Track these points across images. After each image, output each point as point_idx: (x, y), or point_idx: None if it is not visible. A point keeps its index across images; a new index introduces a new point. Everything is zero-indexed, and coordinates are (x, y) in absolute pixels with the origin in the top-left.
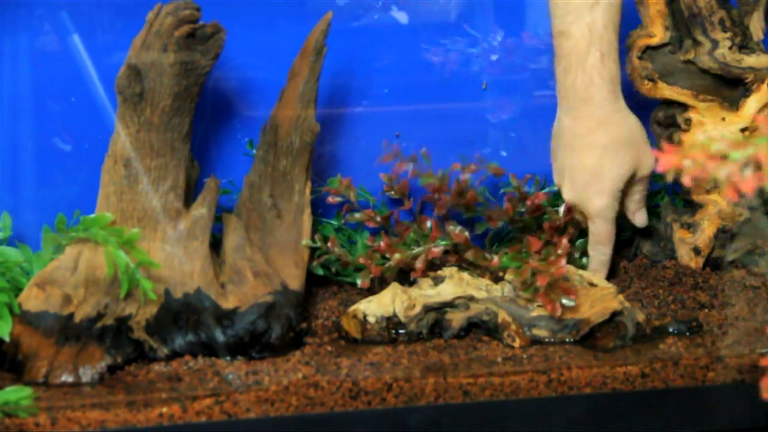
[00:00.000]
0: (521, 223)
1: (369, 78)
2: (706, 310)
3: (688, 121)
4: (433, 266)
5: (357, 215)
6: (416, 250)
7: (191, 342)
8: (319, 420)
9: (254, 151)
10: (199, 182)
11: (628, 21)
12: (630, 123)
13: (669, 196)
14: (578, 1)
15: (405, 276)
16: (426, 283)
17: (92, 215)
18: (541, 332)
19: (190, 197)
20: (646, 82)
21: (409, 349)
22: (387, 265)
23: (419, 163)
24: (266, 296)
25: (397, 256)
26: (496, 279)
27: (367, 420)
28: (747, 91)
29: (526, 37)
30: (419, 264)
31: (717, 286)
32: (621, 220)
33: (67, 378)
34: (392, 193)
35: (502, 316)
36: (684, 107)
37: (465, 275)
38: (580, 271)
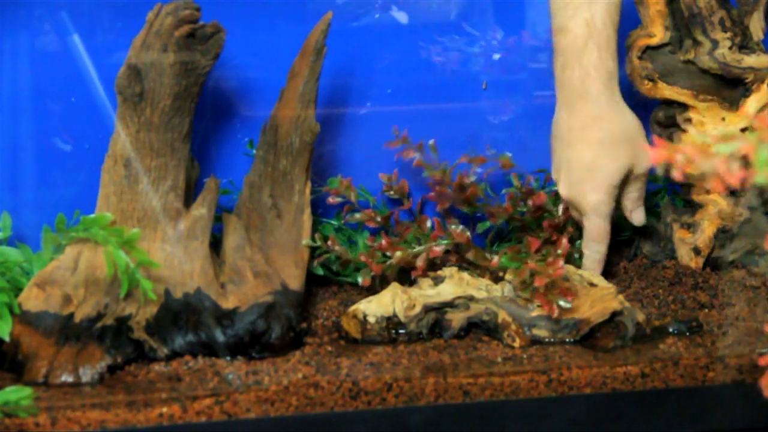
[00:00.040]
0: (521, 221)
1: (369, 78)
2: (706, 310)
3: (688, 121)
4: (433, 266)
5: (357, 215)
6: (418, 248)
7: (191, 342)
8: (319, 420)
9: (254, 151)
10: (199, 182)
11: (628, 21)
12: (627, 119)
13: (669, 196)
14: None
15: (405, 276)
16: (426, 283)
17: (92, 215)
18: (541, 332)
19: (190, 197)
20: (646, 82)
21: (409, 349)
22: (388, 263)
23: (426, 154)
24: (266, 296)
25: (398, 254)
26: (496, 279)
27: (367, 420)
28: (747, 91)
29: (527, 36)
30: (420, 263)
31: (717, 286)
32: (621, 221)
33: (67, 378)
34: (391, 193)
35: (502, 316)
36: (684, 107)
37: (465, 275)
38: (580, 271)
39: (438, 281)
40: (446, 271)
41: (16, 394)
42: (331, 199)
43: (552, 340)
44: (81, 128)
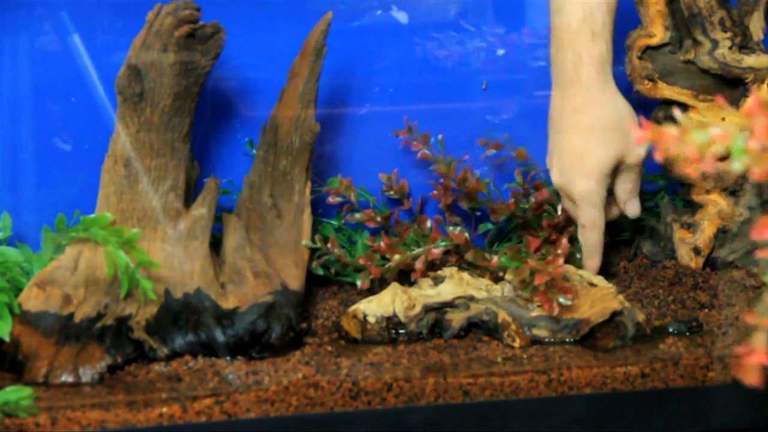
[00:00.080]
0: (523, 218)
1: (369, 78)
2: (706, 310)
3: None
4: (433, 266)
5: (357, 215)
6: (416, 251)
7: (191, 342)
8: (319, 420)
9: (254, 151)
10: (199, 182)
11: (628, 21)
12: (618, 106)
13: (669, 196)
14: None
15: (405, 276)
16: (426, 283)
17: (92, 215)
18: (541, 332)
19: (190, 197)
20: (646, 82)
21: (409, 349)
22: (387, 266)
23: (433, 148)
24: (266, 296)
25: (397, 257)
26: (496, 279)
27: (367, 420)
28: (747, 91)
29: (527, 34)
30: (419, 265)
31: (717, 286)
32: (621, 220)
33: (67, 378)
34: (391, 193)
35: (502, 316)
36: (684, 107)
37: (465, 275)
38: (580, 271)
39: (438, 281)
40: (446, 271)
41: (16, 394)
42: (331, 199)
43: (552, 340)
44: (81, 128)
